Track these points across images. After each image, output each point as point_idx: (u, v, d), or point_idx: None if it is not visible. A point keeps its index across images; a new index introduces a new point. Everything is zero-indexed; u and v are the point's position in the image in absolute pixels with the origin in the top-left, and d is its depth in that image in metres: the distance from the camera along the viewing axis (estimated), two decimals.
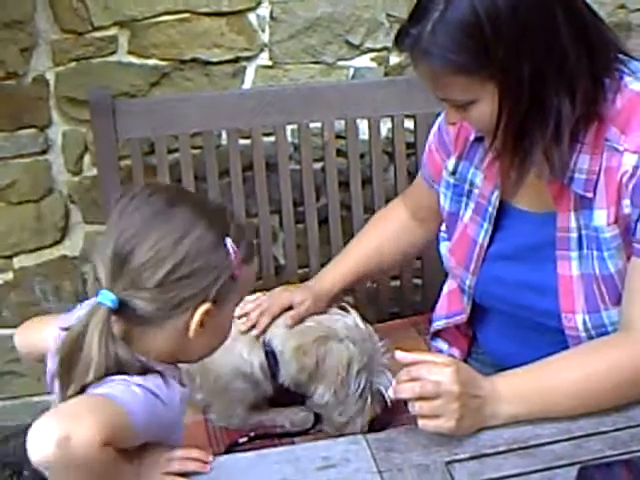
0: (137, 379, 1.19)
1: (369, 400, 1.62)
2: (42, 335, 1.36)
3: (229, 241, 1.23)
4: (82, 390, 1.18)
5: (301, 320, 1.70)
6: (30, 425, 1.09)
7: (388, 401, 1.52)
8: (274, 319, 1.71)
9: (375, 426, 1.64)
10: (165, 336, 1.23)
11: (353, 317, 1.68)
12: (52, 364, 1.27)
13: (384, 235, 1.85)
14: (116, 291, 1.18)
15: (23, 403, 2.50)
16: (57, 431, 1.07)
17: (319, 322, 1.69)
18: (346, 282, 1.82)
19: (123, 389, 1.16)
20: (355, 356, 1.61)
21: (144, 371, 1.20)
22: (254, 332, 1.69)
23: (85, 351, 1.18)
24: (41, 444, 1.07)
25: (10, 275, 2.36)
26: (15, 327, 2.34)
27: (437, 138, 1.69)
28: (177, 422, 1.28)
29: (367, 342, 1.65)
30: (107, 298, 1.18)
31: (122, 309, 1.19)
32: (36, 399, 2.49)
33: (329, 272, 1.84)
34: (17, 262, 2.36)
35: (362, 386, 1.61)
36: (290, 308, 1.72)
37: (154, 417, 1.19)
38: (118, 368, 1.18)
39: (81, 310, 1.25)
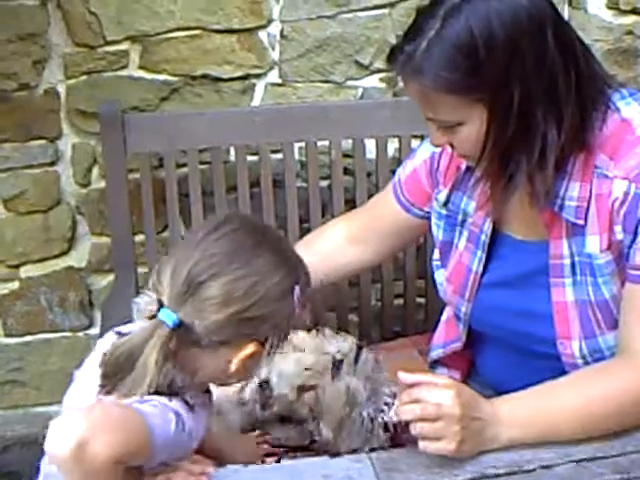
0: (176, 405, 1.18)
1: (374, 431, 1.60)
2: None
3: (297, 291, 1.23)
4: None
5: None
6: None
7: (391, 430, 1.50)
8: None
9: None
10: (208, 362, 1.23)
11: (351, 342, 1.66)
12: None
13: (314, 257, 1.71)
14: (180, 314, 1.18)
15: (23, 413, 2.49)
16: (80, 433, 1.07)
17: (319, 350, 1.66)
18: None
19: (159, 413, 1.16)
20: (358, 391, 1.59)
21: (180, 393, 1.20)
22: None
23: (139, 368, 1.17)
24: (61, 439, 1.07)
25: (16, 284, 2.37)
26: (20, 336, 2.40)
27: (429, 165, 1.66)
28: (190, 449, 1.26)
29: (370, 376, 1.61)
30: (170, 318, 1.17)
31: (180, 330, 1.18)
32: (36, 409, 2.48)
33: None
34: (23, 272, 2.37)
35: (366, 419, 1.58)
36: None
37: (174, 446, 1.19)
38: (165, 387, 1.18)
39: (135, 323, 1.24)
